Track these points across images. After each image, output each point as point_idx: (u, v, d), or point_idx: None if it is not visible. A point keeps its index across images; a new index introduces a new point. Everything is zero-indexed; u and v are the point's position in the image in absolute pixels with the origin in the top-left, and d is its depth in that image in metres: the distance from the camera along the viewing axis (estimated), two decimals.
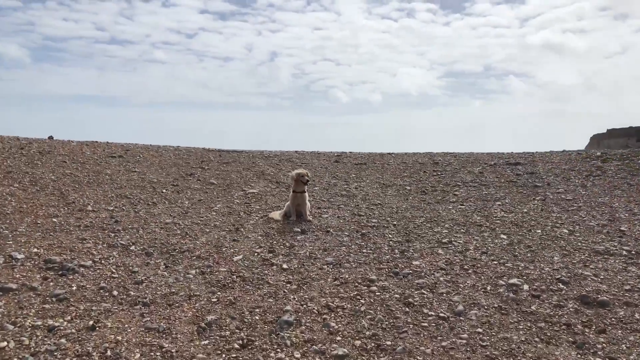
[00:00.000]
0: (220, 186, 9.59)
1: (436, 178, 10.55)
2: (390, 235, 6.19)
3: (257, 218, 7.12)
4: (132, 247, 5.53)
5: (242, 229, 6.45)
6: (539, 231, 6.28)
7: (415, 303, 4.12)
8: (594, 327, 3.71)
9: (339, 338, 3.54)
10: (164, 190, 8.84)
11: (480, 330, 3.66)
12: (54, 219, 6.44)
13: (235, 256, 5.33)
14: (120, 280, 4.56)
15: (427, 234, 6.24)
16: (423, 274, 4.79)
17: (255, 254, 5.43)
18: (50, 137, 18.20)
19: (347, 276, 4.75)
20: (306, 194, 7.04)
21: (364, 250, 5.57)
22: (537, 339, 3.53)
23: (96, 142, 17.01)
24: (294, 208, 6.99)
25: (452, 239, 5.96)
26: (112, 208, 7.29)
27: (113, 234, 5.97)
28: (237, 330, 3.64)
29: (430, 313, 3.94)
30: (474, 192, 8.90)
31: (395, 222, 6.84)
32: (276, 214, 7.12)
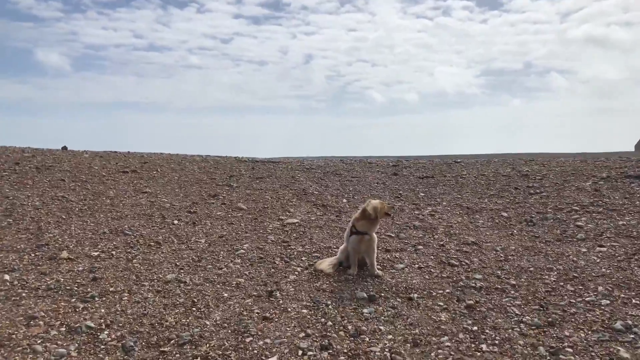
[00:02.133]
0: (250, 213, 7.61)
1: (537, 198, 8.22)
2: (515, 310, 3.99)
3: (299, 269, 5.07)
4: (104, 334, 3.60)
5: (277, 293, 4.41)
6: None
7: None
8: None
9: None
10: (176, 222, 6.94)
11: None
12: (7, 276, 4.60)
13: (267, 357, 3.29)
14: None
15: (577, 308, 4.00)
16: None
17: (300, 351, 3.37)
18: (64, 148, 16.90)
19: None
20: (375, 237, 4.95)
21: (483, 346, 3.41)
22: None
23: (114, 152, 15.54)
24: (356, 257, 4.91)
25: (630, 322, 3.71)
26: (96, 253, 5.43)
27: (82, 306, 4.07)
28: None
29: None
30: (605, 223, 6.54)
31: (512, 280, 4.64)
32: (326, 264, 5.06)
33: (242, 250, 5.66)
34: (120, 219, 6.98)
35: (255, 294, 4.40)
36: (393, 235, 6.36)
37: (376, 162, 14.79)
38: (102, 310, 3.99)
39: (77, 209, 7.45)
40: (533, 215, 7.11)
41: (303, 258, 5.43)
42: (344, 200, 8.56)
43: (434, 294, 4.37)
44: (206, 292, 4.41)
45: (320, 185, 10.06)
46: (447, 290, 4.43)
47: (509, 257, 5.37)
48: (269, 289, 4.50)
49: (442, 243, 5.94)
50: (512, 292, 4.37)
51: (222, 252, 5.61)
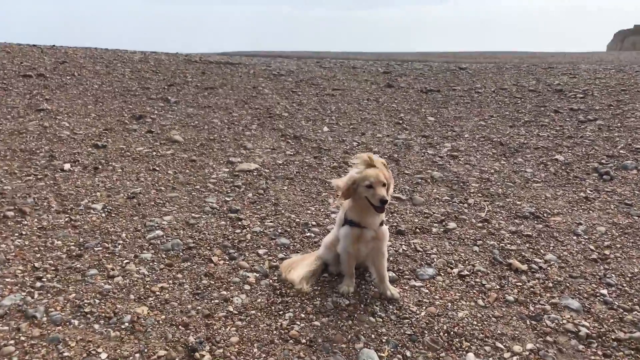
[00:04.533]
0: (187, 149, 5.37)
1: (594, 130, 6.17)
2: None
3: (252, 278, 2.98)
4: None
5: (205, 349, 2.34)
6: None
7: None
8: None
9: None
10: (67, 166, 4.67)
11: None
12: None
13: None
14: None
15: None
16: None
17: None
18: None
19: None
20: (384, 232, 2.82)
21: None
22: None
23: (32, 47, 12.60)
24: (352, 263, 2.85)
25: None
26: None
27: None
28: None
29: None
30: None
31: (638, 313, 2.67)
32: (299, 271, 2.97)
33: (158, 231, 3.50)
34: None
35: (161, 353, 2.32)
36: (404, 197, 4.27)
37: (361, 66, 12.37)
38: None
39: None
40: (603, 161, 5.08)
41: (261, 251, 3.32)
42: (325, 129, 6.35)
43: (502, 349, 2.37)
44: (65, 352, 2.31)
45: (291, 102, 7.75)
46: (529, 346, 2.44)
47: (604, 251, 3.38)
48: (192, 338, 2.43)
49: (483, 215, 3.90)
50: None
51: (124, 234, 3.46)
